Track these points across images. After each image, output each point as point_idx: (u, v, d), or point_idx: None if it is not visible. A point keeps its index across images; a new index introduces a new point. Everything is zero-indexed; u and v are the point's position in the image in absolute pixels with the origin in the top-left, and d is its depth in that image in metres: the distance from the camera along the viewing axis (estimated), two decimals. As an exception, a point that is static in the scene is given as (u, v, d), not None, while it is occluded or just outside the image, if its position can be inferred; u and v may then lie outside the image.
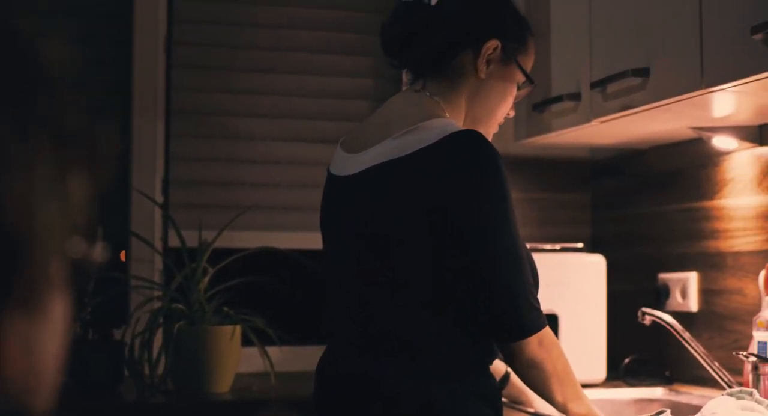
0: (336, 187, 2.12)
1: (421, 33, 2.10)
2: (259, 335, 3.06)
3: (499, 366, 2.37)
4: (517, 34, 2.15)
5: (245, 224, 3.40)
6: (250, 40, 3.66)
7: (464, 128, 1.97)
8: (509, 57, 2.13)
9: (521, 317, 1.94)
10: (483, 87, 2.13)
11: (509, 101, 2.18)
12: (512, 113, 2.24)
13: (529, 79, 2.17)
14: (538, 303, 1.98)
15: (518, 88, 2.18)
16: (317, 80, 3.71)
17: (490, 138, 2.07)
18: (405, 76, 2.37)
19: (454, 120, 2.07)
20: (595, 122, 2.88)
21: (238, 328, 3.02)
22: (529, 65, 2.19)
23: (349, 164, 2.07)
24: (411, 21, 2.10)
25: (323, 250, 2.18)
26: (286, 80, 3.68)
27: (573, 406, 2.03)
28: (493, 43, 2.10)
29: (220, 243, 3.13)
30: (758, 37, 2.13)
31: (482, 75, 2.11)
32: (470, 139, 1.94)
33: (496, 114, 2.17)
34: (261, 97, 3.66)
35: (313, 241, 3.53)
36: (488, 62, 2.11)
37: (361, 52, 3.75)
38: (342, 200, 2.09)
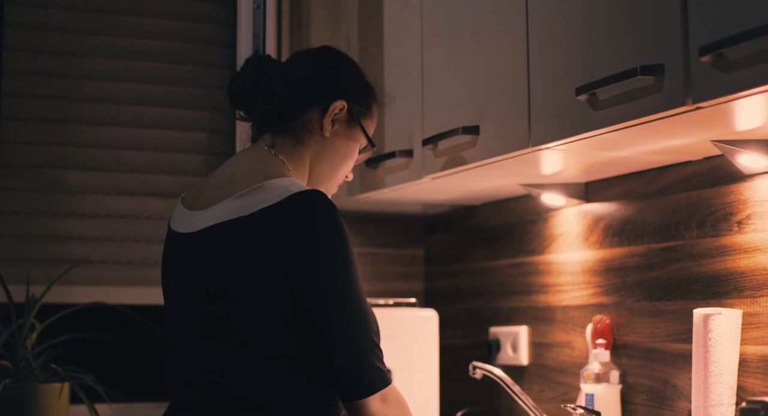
0: (177, 244, 2.08)
1: (270, 88, 2.11)
2: (88, 392, 3.00)
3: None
4: (362, 98, 2.20)
5: (75, 278, 3.34)
6: (81, 92, 3.61)
7: (307, 188, 1.96)
8: (354, 119, 2.17)
9: (363, 375, 1.93)
10: (327, 146, 2.16)
11: (351, 162, 2.22)
12: (350, 176, 2.28)
13: (371, 142, 2.22)
14: (382, 361, 1.97)
15: (360, 152, 2.23)
16: (150, 133, 3.67)
17: (330, 197, 2.07)
18: (240, 131, 2.34)
19: (298, 178, 2.10)
20: (426, 179, 2.91)
21: (66, 386, 2.96)
22: (371, 130, 2.24)
23: (191, 221, 2.05)
24: (260, 75, 2.11)
25: (164, 307, 2.13)
26: (118, 133, 3.64)
27: None
28: (340, 104, 2.14)
29: (49, 298, 3.07)
30: (583, 97, 2.18)
31: (327, 133, 2.14)
32: (312, 199, 1.93)
33: (338, 174, 2.21)
34: (92, 149, 3.60)
35: (146, 296, 3.51)
36: (333, 121, 2.14)
37: (196, 106, 3.73)
38: (183, 257, 2.06)
